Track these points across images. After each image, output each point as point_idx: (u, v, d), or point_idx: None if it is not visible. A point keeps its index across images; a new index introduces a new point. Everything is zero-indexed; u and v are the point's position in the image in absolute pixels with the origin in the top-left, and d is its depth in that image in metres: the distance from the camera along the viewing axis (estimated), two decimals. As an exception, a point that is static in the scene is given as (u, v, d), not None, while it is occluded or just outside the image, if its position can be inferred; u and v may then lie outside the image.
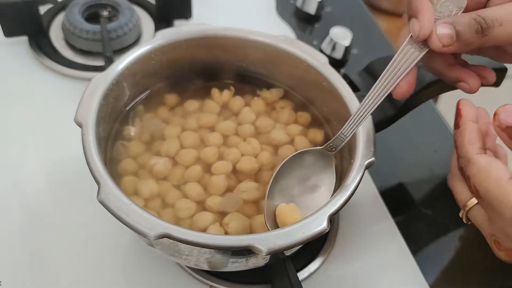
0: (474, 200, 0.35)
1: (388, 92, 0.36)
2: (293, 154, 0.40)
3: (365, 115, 0.37)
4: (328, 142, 0.40)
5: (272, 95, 0.49)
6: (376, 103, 0.36)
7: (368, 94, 0.37)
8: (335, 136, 0.39)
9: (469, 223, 0.37)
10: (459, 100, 0.37)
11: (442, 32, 0.32)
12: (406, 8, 0.35)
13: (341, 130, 0.38)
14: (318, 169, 0.40)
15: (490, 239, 0.33)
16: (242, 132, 0.45)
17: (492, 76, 0.38)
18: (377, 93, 0.36)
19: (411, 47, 0.35)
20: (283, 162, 0.39)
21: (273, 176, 0.38)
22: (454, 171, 0.38)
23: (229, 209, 0.39)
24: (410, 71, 0.35)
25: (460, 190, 0.36)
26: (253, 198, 0.40)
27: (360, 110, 0.37)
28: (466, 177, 0.33)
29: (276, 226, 0.37)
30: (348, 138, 0.38)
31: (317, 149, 0.40)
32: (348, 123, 0.38)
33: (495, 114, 0.31)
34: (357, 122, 0.38)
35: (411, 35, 0.34)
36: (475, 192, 0.32)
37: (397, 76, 0.35)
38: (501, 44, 0.34)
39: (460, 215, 0.37)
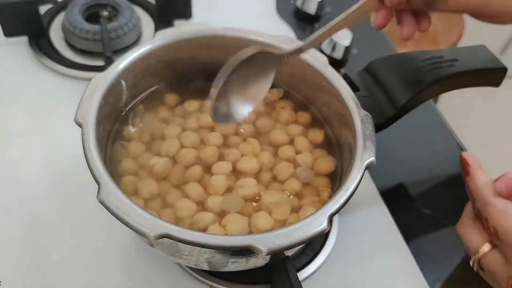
0: (485, 247, 0.35)
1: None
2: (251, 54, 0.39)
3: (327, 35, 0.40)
4: (292, 50, 0.40)
5: (272, 95, 0.48)
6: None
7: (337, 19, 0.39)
8: (302, 46, 0.40)
9: (481, 271, 0.37)
10: (461, 153, 0.39)
11: None
12: None
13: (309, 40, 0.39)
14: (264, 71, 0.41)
15: (507, 283, 0.33)
16: (242, 132, 0.45)
17: (425, 24, 0.41)
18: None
19: None
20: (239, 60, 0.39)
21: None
22: (464, 219, 0.38)
23: (231, 210, 0.39)
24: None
25: (470, 237, 0.37)
26: (252, 193, 0.40)
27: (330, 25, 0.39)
28: (484, 219, 0.34)
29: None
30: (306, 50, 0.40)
31: (275, 53, 0.40)
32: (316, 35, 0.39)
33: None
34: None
35: None
36: (493, 234, 0.33)
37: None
38: None
39: (471, 263, 0.38)
